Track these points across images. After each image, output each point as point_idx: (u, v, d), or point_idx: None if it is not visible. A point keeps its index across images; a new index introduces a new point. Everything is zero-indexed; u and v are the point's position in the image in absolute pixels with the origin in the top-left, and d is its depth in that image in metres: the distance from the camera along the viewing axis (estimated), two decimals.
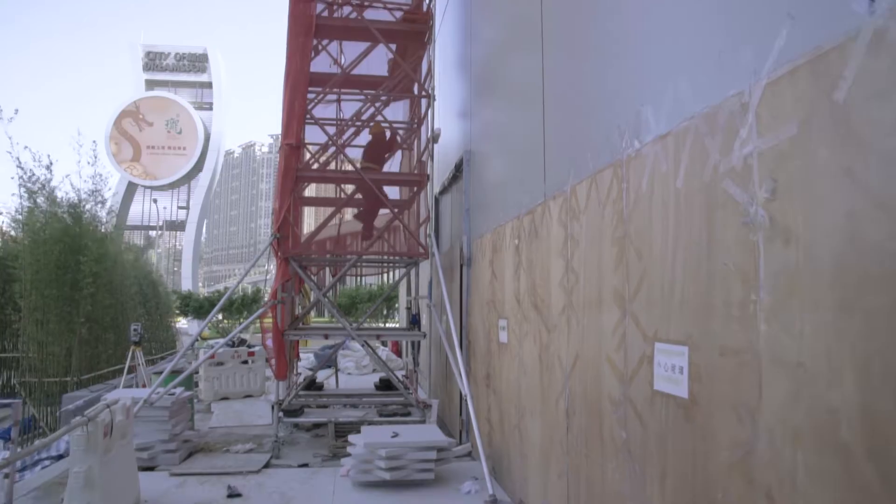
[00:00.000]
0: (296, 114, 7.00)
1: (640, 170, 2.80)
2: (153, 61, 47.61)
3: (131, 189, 46.62)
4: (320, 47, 8.50)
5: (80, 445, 4.16)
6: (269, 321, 7.27)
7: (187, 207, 48.72)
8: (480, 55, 7.09)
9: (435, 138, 7.59)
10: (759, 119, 1.96)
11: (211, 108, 48.26)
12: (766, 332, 1.89)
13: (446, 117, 8.51)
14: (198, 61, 48.07)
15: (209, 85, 48.40)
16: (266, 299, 7.58)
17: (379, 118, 8.83)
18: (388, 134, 8.45)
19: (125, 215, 43.96)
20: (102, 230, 14.06)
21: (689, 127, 2.39)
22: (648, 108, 2.76)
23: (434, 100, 7.48)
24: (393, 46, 8.01)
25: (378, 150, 8.19)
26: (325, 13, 7.44)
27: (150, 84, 47.71)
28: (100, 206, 13.87)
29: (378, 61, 8.73)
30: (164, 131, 45.91)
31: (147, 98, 46.70)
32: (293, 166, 6.97)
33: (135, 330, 10.08)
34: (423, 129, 8.39)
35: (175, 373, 6.88)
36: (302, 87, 7.15)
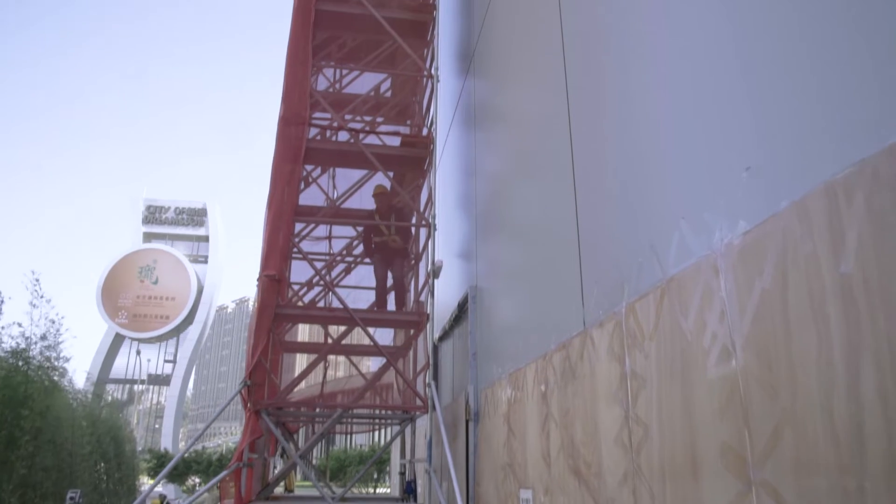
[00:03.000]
0: (278, 244, 6.16)
1: (758, 254, 1.86)
2: (153, 215, 48.31)
3: (118, 341, 45.30)
4: (311, 179, 7.89)
5: None
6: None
7: (174, 361, 47.15)
8: (485, 190, 6.45)
9: (436, 272, 6.72)
10: None
11: (206, 262, 48.23)
12: None
13: (445, 257, 7.74)
14: (196, 215, 48.80)
15: (206, 238, 48.76)
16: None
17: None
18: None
19: (108, 368, 42.29)
20: (60, 379, 12.73)
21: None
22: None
23: (435, 229, 6.70)
24: (391, 175, 7.37)
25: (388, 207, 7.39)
26: (318, 137, 6.86)
27: (148, 237, 48.05)
28: (52, 351, 12.62)
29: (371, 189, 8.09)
30: (157, 283, 45.44)
31: (143, 250, 46.75)
32: (272, 302, 6.01)
33: (71, 498, 8.54)
34: (421, 264, 7.55)
35: None
36: (287, 216, 6.39)
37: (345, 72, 8.58)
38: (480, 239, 6.53)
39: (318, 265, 7.45)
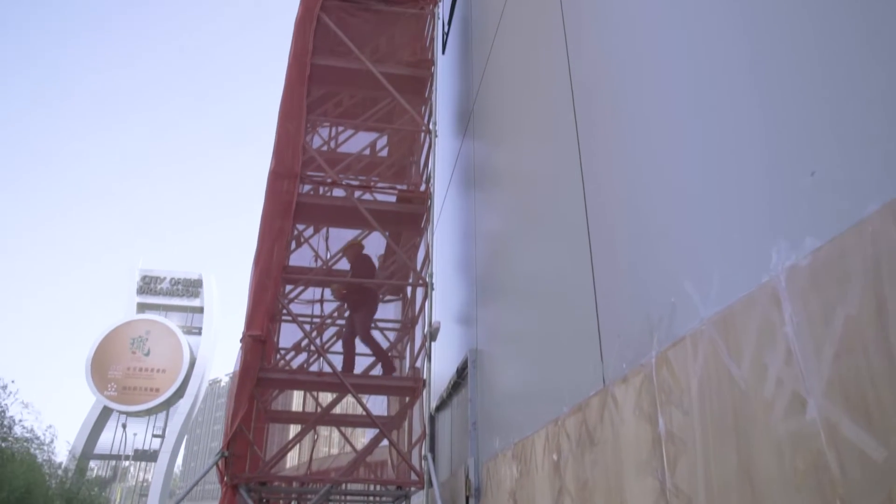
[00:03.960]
0: (264, 303, 5.75)
1: (837, 274, 1.47)
2: (148, 285, 47.85)
3: (105, 414, 43.94)
4: (302, 239, 7.55)
5: None
6: None
7: (162, 436, 45.61)
8: (486, 251, 6.11)
9: (433, 334, 6.28)
10: None
11: (200, 333, 47.44)
12: None
13: (443, 322, 7.31)
14: (192, 286, 48.35)
15: (200, 310, 48.13)
16: None
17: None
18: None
19: (94, 443, 40.88)
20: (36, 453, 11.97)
21: None
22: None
23: (432, 289, 6.30)
24: (386, 234, 7.03)
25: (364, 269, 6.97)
26: (311, 192, 6.55)
27: (142, 307, 47.43)
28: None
29: (367, 250, 7.74)
30: (148, 354, 44.54)
31: (136, 321, 46.05)
32: (255, 365, 5.55)
33: None
34: (417, 328, 7.12)
35: None
36: (275, 274, 6.00)
37: (340, 129, 8.38)
38: (480, 302, 6.14)
39: (308, 329, 7.00)
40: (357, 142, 8.44)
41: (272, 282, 5.84)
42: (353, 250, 7.07)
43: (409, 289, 7.81)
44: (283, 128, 6.55)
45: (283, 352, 7.06)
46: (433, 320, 6.21)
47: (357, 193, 6.61)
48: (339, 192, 6.80)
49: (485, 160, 6.57)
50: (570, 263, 3.52)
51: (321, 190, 6.81)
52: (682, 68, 2.45)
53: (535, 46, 4.82)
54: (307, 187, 6.67)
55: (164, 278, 48.53)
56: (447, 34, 10.17)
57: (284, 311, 6.80)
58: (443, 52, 10.18)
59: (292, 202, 6.25)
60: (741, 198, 1.95)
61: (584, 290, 3.20)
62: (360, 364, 6.90)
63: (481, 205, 6.56)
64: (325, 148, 8.31)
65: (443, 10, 9.89)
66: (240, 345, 5.56)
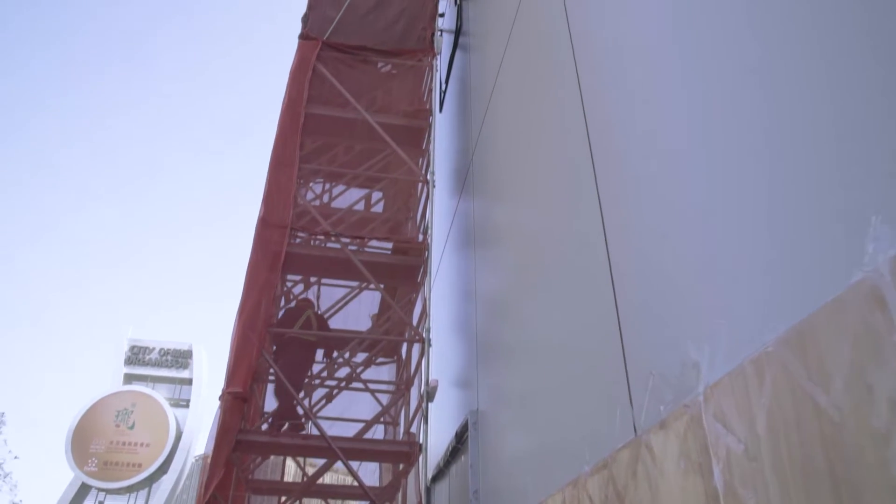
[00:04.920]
0: (247, 359, 5.30)
1: None
2: (136, 355, 46.77)
3: (83, 491, 42.06)
4: (291, 296, 7.16)
5: None
6: None
7: None
8: (487, 311, 5.72)
9: (430, 394, 5.80)
10: None
11: (188, 406, 46.07)
12: None
13: (440, 386, 6.84)
14: (181, 357, 47.28)
15: (189, 382, 46.91)
16: None
17: (358, 384, 7.19)
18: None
19: None
20: None
21: None
22: None
23: (429, 345, 5.87)
24: (381, 288, 6.65)
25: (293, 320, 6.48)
26: (301, 242, 6.19)
27: (129, 378, 46.19)
28: None
29: (358, 310, 7.36)
30: (133, 428, 43.12)
31: (121, 392, 44.81)
32: (234, 426, 5.04)
33: None
34: (413, 389, 6.64)
35: None
36: (261, 327, 5.57)
37: (333, 184, 8.13)
38: (481, 362, 5.72)
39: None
40: (351, 197, 8.19)
41: (257, 336, 5.41)
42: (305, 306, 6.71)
43: (403, 349, 7.38)
44: (274, 176, 6.27)
45: (266, 415, 6.52)
46: (430, 379, 5.75)
47: (349, 244, 6.27)
48: (331, 245, 6.46)
49: (485, 218, 6.28)
50: (589, 303, 3.15)
51: (312, 241, 6.45)
52: (701, 112, 2.14)
53: (541, 99, 4.57)
54: (298, 239, 6.32)
55: (154, 349, 47.45)
56: (444, 93, 10.10)
57: (271, 371, 6.33)
58: (440, 111, 10.09)
59: (281, 252, 5.89)
60: (824, 189, 1.60)
61: (605, 327, 2.81)
62: (352, 428, 6.40)
63: (482, 263, 6.22)
64: (317, 202, 8.03)
65: (440, 68, 9.86)
66: (218, 403, 5.09)
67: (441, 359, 7.42)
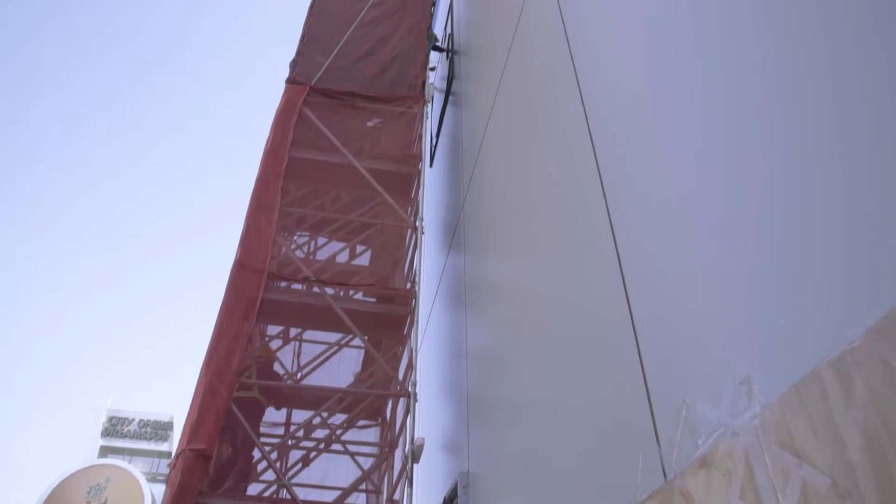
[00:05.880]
0: (213, 412, 4.77)
1: None
2: (114, 427, 45.02)
3: None
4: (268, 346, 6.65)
5: None
6: None
7: None
8: (479, 370, 5.32)
9: (415, 455, 5.26)
10: None
11: (165, 481, 44.12)
12: None
13: (427, 448, 6.29)
14: (161, 429, 45.53)
15: (168, 455, 45.04)
16: None
17: (338, 446, 6.62)
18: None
19: None
20: None
21: None
22: None
23: (416, 401, 5.37)
24: (365, 339, 6.16)
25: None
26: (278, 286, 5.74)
27: (105, 451, 44.27)
28: None
29: (339, 368, 6.87)
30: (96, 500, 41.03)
31: (96, 466, 42.90)
32: (194, 487, 4.46)
33: None
34: (397, 453, 6.08)
35: None
36: (230, 379, 5.06)
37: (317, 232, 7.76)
38: (472, 423, 5.25)
39: (268, 450, 5.90)
40: (335, 249, 7.82)
41: (225, 388, 4.89)
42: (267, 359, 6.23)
43: (388, 410, 6.84)
44: (254, 217, 5.90)
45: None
46: (416, 437, 5.21)
47: (331, 291, 5.84)
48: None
49: (477, 273, 5.91)
50: (601, 341, 2.74)
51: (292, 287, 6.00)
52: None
53: (549, 149, 4.28)
54: (283, 283, 5.88)
55: (133, 419, 45.70)
56: (435, 147, 9.89)
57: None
58: (430, 166, 9.86)
59: (257, 298, 5.45)
60: None
61: (621, 360, 2.39)
62: (330, 495, 5.80)
63: (474, 320, 5.82)
64: (300, 253, 7.64)
65: (432, 118, 9.68)
66: (174, 463, 4.53)
67: (428, 421, 6.88)
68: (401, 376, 5.86)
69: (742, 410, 1.58)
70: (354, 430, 7.01)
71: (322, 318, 5.90)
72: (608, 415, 2.51)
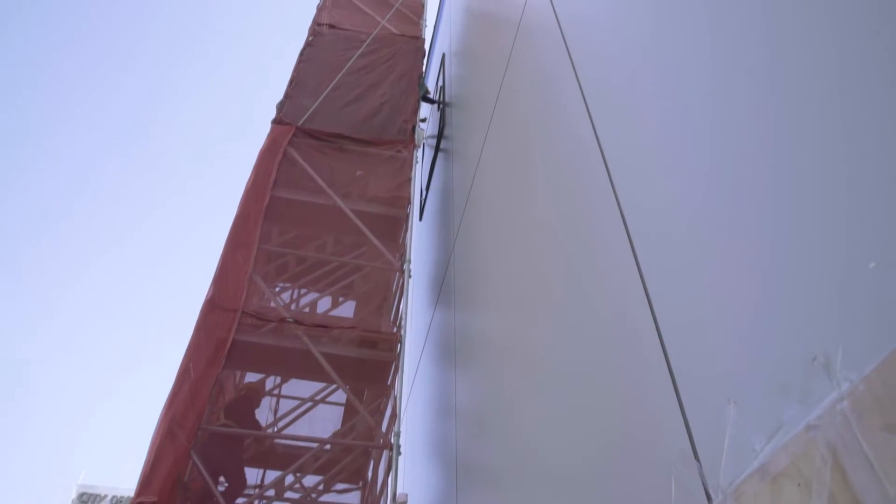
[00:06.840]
0: (170, 461, 4.26)
1: None
2: None
3: None
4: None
5: None
6: None
7: None
8: (469, 428, 4.96)
9: None
10: None
11: None
12: None
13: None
14: None
15: None
16: None
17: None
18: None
19: None
20: None
21: None
22: None
23: (399, 454, 4.88)
24: (346, 388, 5.69)
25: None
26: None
27: None
28: None
29: (316, 425, 6.36)
30: None
31: None
32: None
33: None
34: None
35: None
36: (190, 425, 4.57)
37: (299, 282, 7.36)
38: (462, 486, 4.80)
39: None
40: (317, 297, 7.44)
41: (185, 434, 4.39)
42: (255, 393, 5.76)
43: (370, 471, 6.29)
44: (230, 255, 5.52)
45: None
46: (399, 493, 4.69)
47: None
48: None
49: (468, 329, 5.57)
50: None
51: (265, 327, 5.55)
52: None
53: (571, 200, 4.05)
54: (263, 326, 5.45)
55: (105, 496, 43.51)
56: (425, 200, 9.66)
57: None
58: (420, 219, 9.60)
59: (227, 339, 5.02)
60: None
61: (654, 383, 2.00)
62: None
63: (464, 377, 5.43)
64: (279, 300, 7.22)
65: (421, 172, 9.48)
66: None
67: (414, 485, 6.35)
68: (384, 429, 5.36)
69: (819, 395, 1.20)
70: (333, 493, 6.42)
71: (299, 364, 5.44)
72: (627, 447, 2.11)
